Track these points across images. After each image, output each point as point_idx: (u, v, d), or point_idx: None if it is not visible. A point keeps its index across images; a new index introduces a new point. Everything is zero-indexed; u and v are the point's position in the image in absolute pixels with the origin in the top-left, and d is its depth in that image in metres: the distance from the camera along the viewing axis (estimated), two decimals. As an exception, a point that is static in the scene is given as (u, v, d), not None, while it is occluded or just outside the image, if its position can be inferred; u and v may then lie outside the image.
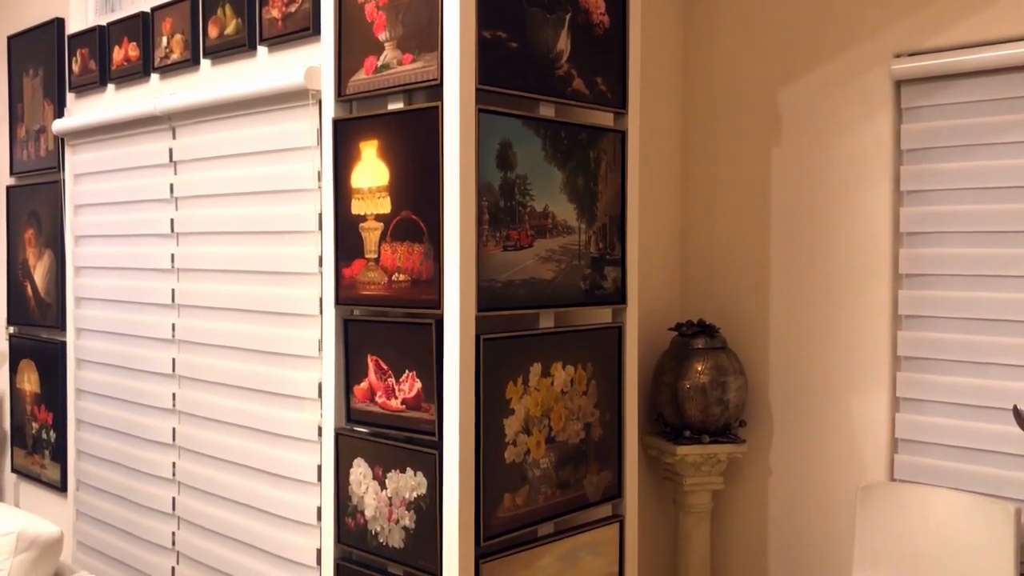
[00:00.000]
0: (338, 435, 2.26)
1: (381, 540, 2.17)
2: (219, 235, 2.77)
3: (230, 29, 2.71)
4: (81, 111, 3.37)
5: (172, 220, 2.94)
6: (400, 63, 2.08)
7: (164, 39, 2.95)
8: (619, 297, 2.38)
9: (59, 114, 3.44)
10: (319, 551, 2.41)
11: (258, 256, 2.62)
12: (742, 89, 2.89)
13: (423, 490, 2.07)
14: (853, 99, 2.63)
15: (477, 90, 1.99)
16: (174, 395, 2.95)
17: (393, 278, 2.11)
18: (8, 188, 3.82)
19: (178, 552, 2.94)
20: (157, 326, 3.01)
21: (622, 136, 2.36)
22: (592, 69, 2.27)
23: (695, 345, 2.77)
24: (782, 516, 2.82)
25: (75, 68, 3.36)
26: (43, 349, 3.61)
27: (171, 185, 2.94)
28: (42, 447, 3.64)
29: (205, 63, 2.84)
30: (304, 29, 2.45)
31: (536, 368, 2.16)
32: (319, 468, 2.41)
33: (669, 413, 2.80)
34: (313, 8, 2.40)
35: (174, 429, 2.94)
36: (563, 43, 2.19)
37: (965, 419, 2.45)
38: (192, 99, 2.76)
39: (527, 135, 2.11)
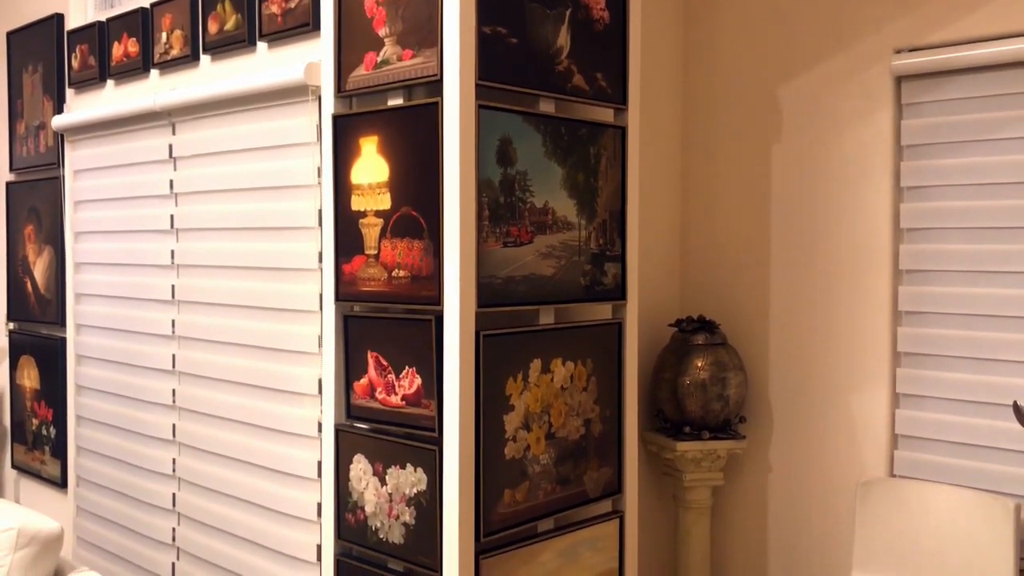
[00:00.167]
0: (338, 431, 2.26)
1: (381, 536, 2.17)
2: (219, 231, 2.76)
3: (230, 25, 2.71)
4: (81, 107, 3.36)
5: (172, 216, 2.94)
6: (400, 59, 2.08)
7: (164, 35, 2.95)
8: (619, 293, 2.38)
9: (59, 110, 3.44)
10: (319, 547, 2.41)
11: (258, 252, 2.62)
12: (742, 85, 2.89)
13: (423, 486, 2.07)
14: (854, 95, 2.63)
15: (477, 86, 1.99)
16: (174, 391, 2.95)
17: (393, 274, 2.10)
18: (8, 184, 3.82)
19: (178, 548, 2.94)
20: (157, 322, 3.01)
21: (622, 132, 2.36)
22: (592, 65, 2.26)
23: (695, 341, 2.77)
24: (782, 512, 2.82)
25: (75, 64, 3.35)
26: (43, 345, 3.61)
27: (171, 181, 2.94)
28: (42, 443, 3.65)
29: (205, 59, 2.83)
30: (304, 25, 2.45)
31: (536, 364, 2.16)
32: (319, 464, 2.41)
33: (669, 409, 2.80)
34: (313, 4, 2.39)
35: (174, 425, 2.94)
36: (563, 39, 2.19)
37: (965, 415, 2.45)
38: (192, 95, 2.76)
39: (527, 131, 2.11)
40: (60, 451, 3.53)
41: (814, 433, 2.74)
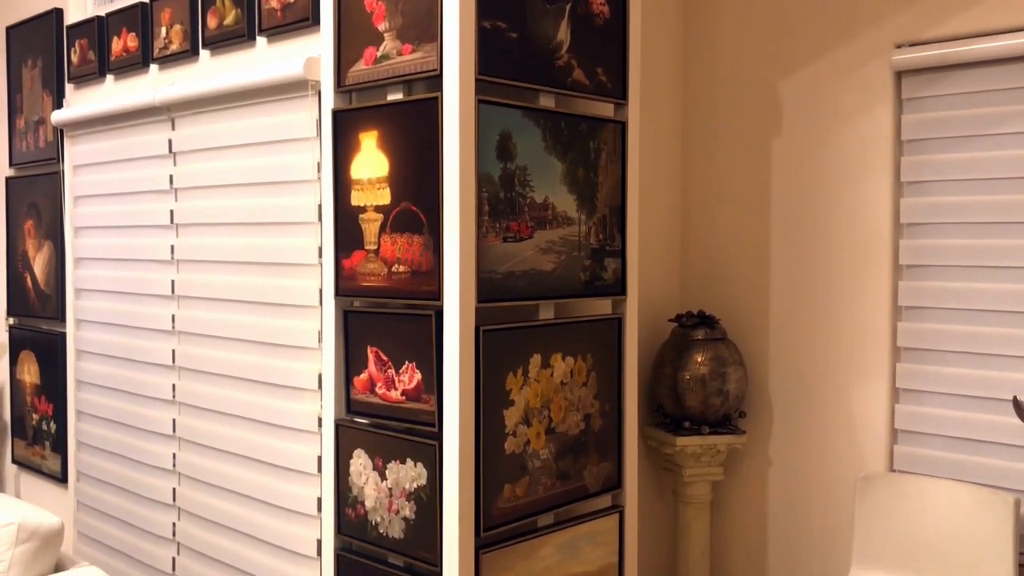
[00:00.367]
0: (338, 426, 2.26)
1: (381, 531, 2.17)
2: (218, 226, 2.76)
3: (229, 19, 2.70)
4: (80, 102, 3.36)
5: (171, 211, 2.94)
6: (400, 53, 2.08)
7: (163, 29, 2.94)
8: (619, 288, 2.38)
9: (58, 105, 3.43)
10: (319, 542, 2.41)
11: (258, 247, 2.62)
12: (743, 80, 2.89)
13: (423, 481, 2.07)
14: (854, 89, 2.63)
15: (477, 80, 1.98)
16: (174, 386, 2.95)
17: (393, 269, 2.10)
18: (7, 179, 3.81)
19: (179, 543, 2.95)
20: (157, 317, 3.01)
21: (622, 127, 2.36)
22: (592, 59, 2.26)
23: (695, 336, 2.77)
24: (782, 507, 2.82)
25: (74, 59, 3.35)
26: (43, 340, 3.61)
27: (170, 176, 2.94)
28: (42, 438, 3.65)
29: (204, 54, 2.83)
30: (303, 19, 2.45)
31: (536, 359, 2.16)
32: (319, 459, 2.41)
33: (669, 404, 2.80)
34: (312, -2, 2.39)
35: (174, 420, 2.94)
36: (563, 33, 2.18)
37: (965, 410, 2.45)
38: (191, 90, 2.76)
39: (527, 126, 2.11)
40: (60, 446, 3.53)
41: (814, 428, 2.74)
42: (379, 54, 2.13)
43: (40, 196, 3.60)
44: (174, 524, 2.96)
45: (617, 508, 2.40)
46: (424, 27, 2.02)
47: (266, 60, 2.59)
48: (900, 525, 2.42)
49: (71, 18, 3.40)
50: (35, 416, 3.69)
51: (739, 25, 2.89)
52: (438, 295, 2.01)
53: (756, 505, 2.88)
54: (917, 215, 2.53)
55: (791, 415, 2.79)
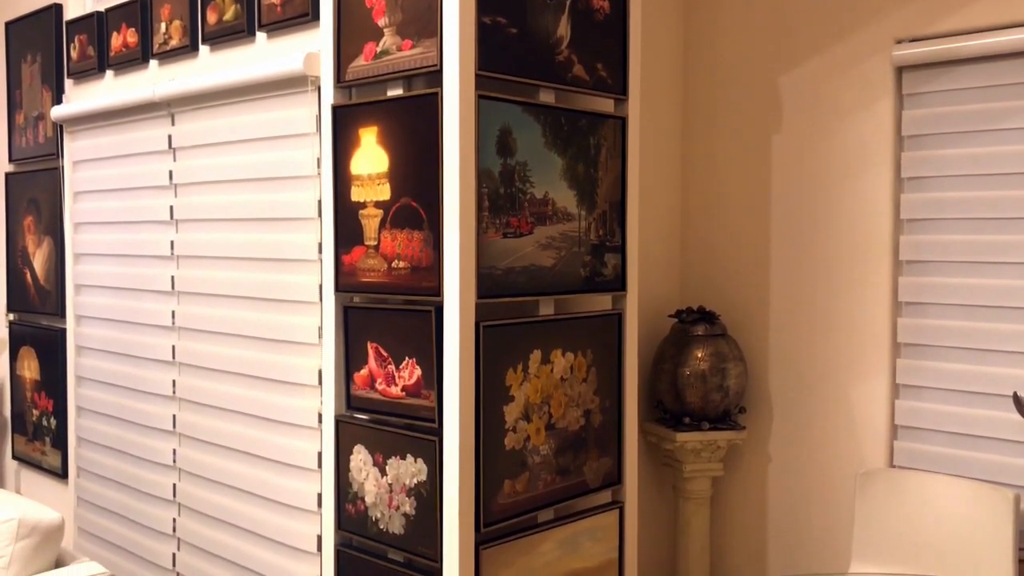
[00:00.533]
0: (338, 422, 2.26)
1: (381, 526, 2.17)
2: (218, 222, 2.76)
3: (229, 15, 2.70)
4: (80, 97, 3.36)
5: (171, 207, 2.93)
6: (399, 49, 2.07)
7: (163, 25, 2.94)
8: (619, 284, 2.38)
9: (57, 100, 3.43)
10: (319, 537, 2.41)
11: (257, 243, 2.62)
12: (743, 75, 2.88)
13: (423, 476, 2.07)
14: (854, 85, 2.62)
15: (477, 76, 1.98)
16: (174, 382, 2.95)
17: (393, 265, 2.10)
18: (7, 175, 3.81)
19: (179, 538, 2.95)
20: (157, 313, 3.01)
21: (622, 122, 2.35)
22: (592, 55, 2.26)
23: (695, 332, 2.77)
24: (782, 502, 2.83)
25: (73, 54, 3.34)
26: (43, 336, 3.61)
27: (170, 172, 2.93)
28: (43, 434, 3.65)
29: (204, 49, 2.83)
30: (303, 15, 2.44)
31: (536, 355, 2.16)
32: (319, 455, 2.41)
33: (669, 400, 2.80)
34: (312, -6, 2.39)
35: (174, 416, 2.95)
36: (563, 28, 2.18)
37: (965, 406, 2.45)
38: (191, 85, 2.75)
39: (527, 121, 2.10)
40: (61, 442, 3.53)
41: (814, 424, 2.74)
42: (379, 50, 2.12)
43: (40, 192, 3.60)
44: (174, 520, 2.96)
45: (617, 504, 2.40)
46: (424, 23, 2.02)
47: (266, 55, 2.59)
48: (900, 521, 2.42)
49: (70, 13, 3.40)
50: (35, 412, 3.69)
51: (739, 20, 2.89)
52: (438, 291, 2.01)
53: (756, 501, 2.88)
54: (917, 211, 2.53)
55: (791, 411, 2.79)
